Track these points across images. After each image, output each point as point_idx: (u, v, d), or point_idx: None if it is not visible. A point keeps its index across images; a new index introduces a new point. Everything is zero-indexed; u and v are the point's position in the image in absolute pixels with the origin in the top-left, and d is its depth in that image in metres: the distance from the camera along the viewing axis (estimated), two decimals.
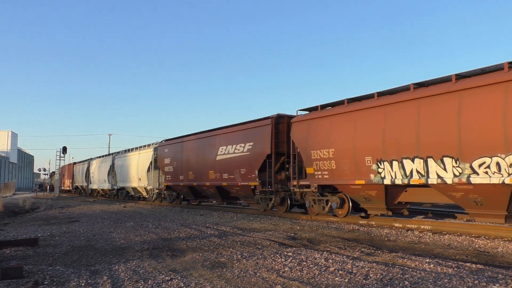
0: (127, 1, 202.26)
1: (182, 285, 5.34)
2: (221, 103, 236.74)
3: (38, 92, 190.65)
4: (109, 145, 76.33)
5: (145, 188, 27.50)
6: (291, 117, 15.54)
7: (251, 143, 16.53)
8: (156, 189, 25.83)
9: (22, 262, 6.96)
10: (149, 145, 27.69)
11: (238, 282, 5.51)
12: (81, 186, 45.78)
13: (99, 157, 40.01)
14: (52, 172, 67.07)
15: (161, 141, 25.04)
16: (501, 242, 8.68)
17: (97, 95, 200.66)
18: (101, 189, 37.26)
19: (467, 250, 7.92)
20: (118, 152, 33.95)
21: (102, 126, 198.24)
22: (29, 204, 25.77)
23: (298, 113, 14.92)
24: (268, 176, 15.68)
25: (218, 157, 18.52)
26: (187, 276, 5.85)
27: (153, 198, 26.43)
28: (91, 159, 42.35)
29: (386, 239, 9.57)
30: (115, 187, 33.02)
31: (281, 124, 15.86)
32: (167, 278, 5.72)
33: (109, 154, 36.88)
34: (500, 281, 5.29)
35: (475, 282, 5.26)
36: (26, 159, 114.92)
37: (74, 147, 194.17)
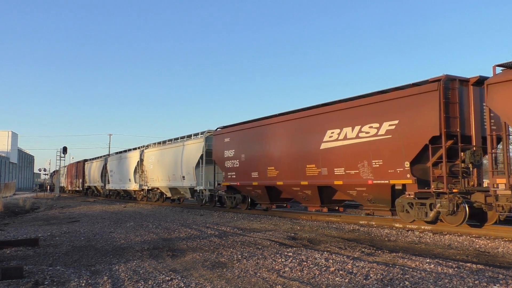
0: (127, 2, 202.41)
1: (183, 285, 5.34)
2: (221, 103, 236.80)
3: (39, 92, 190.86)
4: (109, 145, 76.36)
5: (190, 188, 21.82)
6: (463, 80, 10.87)
7: (395, 122, 11.36)
8: (209, 189, 20.28)
9: (23, 262, 6.96)
10: (196, 135, 22.01)
11: (238, 282, 5.51)
12: (94, 186, 39.98)
13: (120, 152, 34.08)
14: (53, 171, 65.97)
15: (216, 129, 19.60)
16: (502, 242, 8.68)
17: (97, 95, 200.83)
18: (124, 189, 31.22)
19: (468, 250, 7.92)
20: (148, 146, 28.05)
21: (102, 126, 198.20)
22: (29, 204, 25.80)
23: (496, 71, 9.68)
24: (433, 170, 10.68)
25: (325, 145, 13.24)
26: (187, 276, 5.85)
27: (204, 201, 20.89)
28: (109, 155, 37.22)
29: (386, 239, 9.57)
30: (145, 187, 27.25)
31: (451, 91, 10.66)
32: (167, 278, 5.72)
33: (135, 148, 30.16)
34: (501, 281, 5.29)
35: (476, 282, 5.26)
36: (26, 159, 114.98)
37: (74, 147, 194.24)
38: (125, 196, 33.02)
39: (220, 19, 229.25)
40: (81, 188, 44.56)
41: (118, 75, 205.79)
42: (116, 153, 35.20)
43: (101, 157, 38.85)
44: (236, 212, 17.71)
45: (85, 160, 44.09)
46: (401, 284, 5.23)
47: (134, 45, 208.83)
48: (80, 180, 44.34)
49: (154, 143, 27.21)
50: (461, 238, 9.39)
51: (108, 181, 34.95)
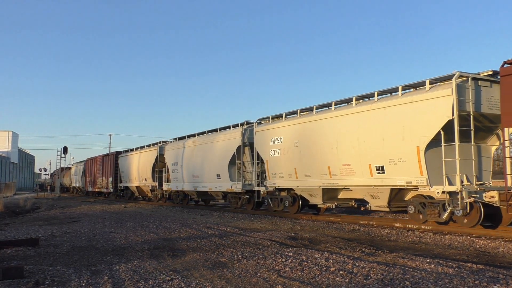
0: (127, 2, 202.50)
1: (183, 285, 5.35)
2: (222, 102, 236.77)
3: (39, 92, 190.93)
4: (109, 145, 76.34)
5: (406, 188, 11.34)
6: None
7: None
8: (472, 192, 9.99)
9: (23, 262, 6.98)
10: (409, 87, 11.30)
11: (238, 282, 5.52)
12: (137, 186, 28.81)
13: (191, 136, 22.16)
14: (54, 171, 65.32)
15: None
16: (502, 242, 8.68)
17: (97, 95, 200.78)
18: (204, 191, 20.34)
19: (468, 250, 7.92)
20: (264, 119, 16.62)
21: (103, 126, 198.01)
22: (30, 204, 25.85)
23: None
24: None
25: None
26: (187, 276, 5.86)
27: (446, 217, 10.31)
28: (164, 142, 25.78)
29: (386, 239, 9.58)
30: (261, 188, 16.39)
31: None
32: (167, 278, 5.72)
33: (228, 127, 19.03)
34: (501, 281, 5.29)
35: (476, 282, 5.26)
36: (26, 159, 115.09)
37: (74, 147, 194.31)
38: (197, 201, 23.24)
39: (222, 15, 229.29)
40: (111, 190, 33.51)
41: (118, 75, 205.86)
42: (181, 138, 23.52)
43: (150, 145, 27.34)
44: (237, 212, 17.69)
45: (118, 153, 33.42)
46: (401, 284, 5.24)
47: (134, 45, 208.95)
48: (110, 179, 33.56)
49: (276, 116, 15.94)
50: (461, 238, 9.39)
51: (167, 179, 24.23)
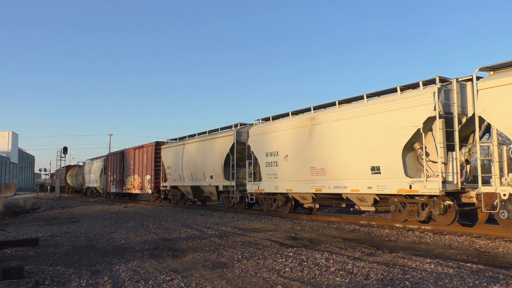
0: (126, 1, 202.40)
1: (183, 285, 5.35)
2: (222, 102, 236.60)
3: (39, 92, 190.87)
4: (109, 146, 76.26)
5: None
6: None
7: None
8: None
9: (23, 262, 6.97)
10: None
11: (238, 282, 5.52)
12: (193, 187, 21.32)
13: (293, 113, 15.29)
14: (55, 171, 64.78)
15: None
16: (502, 243, 8.68)
17: (97, 95, 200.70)
18: (331, 193, 13.46)
19: (468, 251, 7.92)
20: (488, 69, 9.51)
21: (102, 126, 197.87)
22: (30, 204, 25.85)
23: None
24: None
25: None
26: (187, 276, 5.86)
27: None
28: (242, 125, 18.54)
29: (386, 239, 9.57)
30: None
31: None
32: (167, 278, 5.72)
33: (397, 89, 11.38)
34: (501, 281, 5.29)
35: (476, 282, 5.26)
36: (26, 159, 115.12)
37: (74, 147, 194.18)
38: (311, 206, 15.36)
39: (222, 14, 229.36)
40: (149, 191, 26.31)
41: (118, 75, 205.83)
42: (276, 117, 16.37)
43: (217, 130, 19.88)
44: (237, 212, 17.68)
45: (159, 143, 25.75)
46: (401, 284, 5.24)
47: (134, 45, 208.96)
48: (148, 177, 26.43)
49: None
50: (461, 238, 9.39)
51: (254, 176, 17.01)
